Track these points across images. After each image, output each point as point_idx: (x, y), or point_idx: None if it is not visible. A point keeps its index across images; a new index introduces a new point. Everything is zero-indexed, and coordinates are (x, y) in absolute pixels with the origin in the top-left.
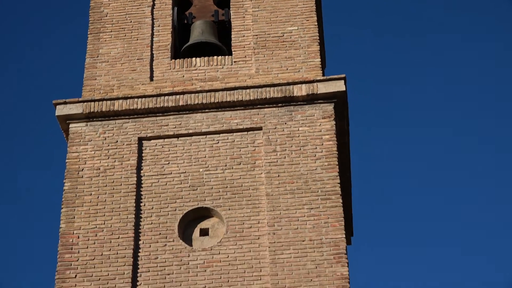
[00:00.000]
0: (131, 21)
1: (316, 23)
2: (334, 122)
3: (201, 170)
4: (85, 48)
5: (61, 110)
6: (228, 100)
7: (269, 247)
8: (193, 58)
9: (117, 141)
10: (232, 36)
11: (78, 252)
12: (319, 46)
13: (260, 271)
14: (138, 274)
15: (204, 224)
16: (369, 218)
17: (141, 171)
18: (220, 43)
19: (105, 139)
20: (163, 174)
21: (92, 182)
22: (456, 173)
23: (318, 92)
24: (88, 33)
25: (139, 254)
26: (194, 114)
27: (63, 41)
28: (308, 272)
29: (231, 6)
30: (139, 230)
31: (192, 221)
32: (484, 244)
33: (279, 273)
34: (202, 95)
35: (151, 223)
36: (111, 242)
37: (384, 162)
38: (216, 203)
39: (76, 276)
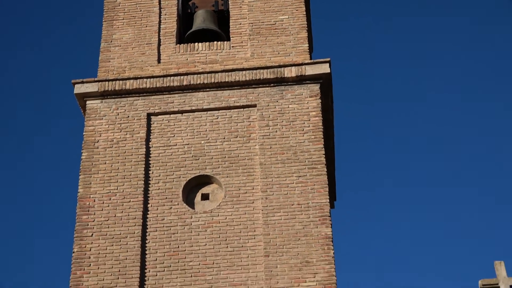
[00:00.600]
0: (140, 10)
1: (304, 13)
2: (320, 100)
3: (202, 142)
4: (100, 34)
5: (79, 88)
6: (226, 80)
7: (262, 210)
8: (196, 43)
9: (128, 116)
10: (230, 24)
11: (94, 214)
12: (307, 33)
13: (254, 231)
14: (147, 233)
15: (205, 190)
16: (350, 185)
17: (150, 143)
18: (219, 30)
19: (118, 114)
20: (169, 146)
21: (106, 152)
22: (429, 139)
23: (306, 74)
24: (103, 20)
25: (147, 216)
26: (196, 93)
27: (81, 27)
28: (296, 232)
29: None
30: (148, 195)
31: (194, 187)
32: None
33: (270, 233)
34: (203, 76)
35: (158, 189)
36: (123, 205)
37: (364, 135)
38: (216, 171)
39: (92, 235)
